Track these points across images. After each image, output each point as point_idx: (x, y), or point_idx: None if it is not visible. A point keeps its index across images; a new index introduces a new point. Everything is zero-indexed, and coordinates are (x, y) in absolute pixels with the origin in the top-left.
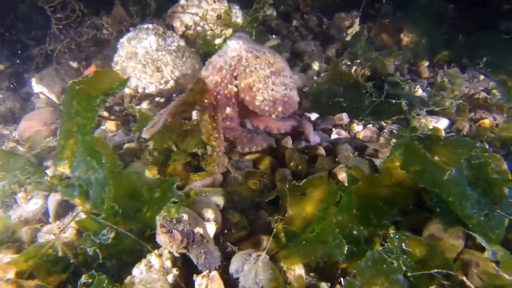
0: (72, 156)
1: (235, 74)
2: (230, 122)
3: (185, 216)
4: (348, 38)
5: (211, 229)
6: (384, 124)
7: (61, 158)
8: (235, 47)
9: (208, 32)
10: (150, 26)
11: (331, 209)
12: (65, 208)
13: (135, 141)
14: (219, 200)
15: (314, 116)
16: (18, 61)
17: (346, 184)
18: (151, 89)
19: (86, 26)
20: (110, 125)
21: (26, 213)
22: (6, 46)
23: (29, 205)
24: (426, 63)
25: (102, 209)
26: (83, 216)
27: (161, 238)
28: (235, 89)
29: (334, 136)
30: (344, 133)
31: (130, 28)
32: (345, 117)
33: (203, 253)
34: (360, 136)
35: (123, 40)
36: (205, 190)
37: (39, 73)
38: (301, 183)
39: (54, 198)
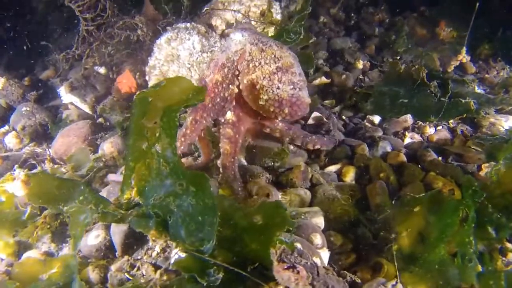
0: (142, 181)
1: (237, 72)
2: (231, 129)
3: (299, 245)
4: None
5: (325, 257)
6: (451, 125)
7: (128, 183)
8: (239, 40)
9: None
10: (188, 25)
11: (456, 227)
12: (133, 240)
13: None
14: (320, 222)
15: (377, 118)
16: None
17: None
18: None
19: (118, 27)
20: None
21: (87, 248)
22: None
23: (89, 238)
24: (468, 58)
25: (201, 243)
26: (180, 254)
27: (283, 275)
28: (236, 90)
29: (408, 140)
30: (417, 137)
31: (167, 28)
32: (409, 118)
33: None
34: (434, 139)
35: (161, 41)
36: (303, 211)
37: (67, 81)
38: (415, 198)
39: (120, 229)
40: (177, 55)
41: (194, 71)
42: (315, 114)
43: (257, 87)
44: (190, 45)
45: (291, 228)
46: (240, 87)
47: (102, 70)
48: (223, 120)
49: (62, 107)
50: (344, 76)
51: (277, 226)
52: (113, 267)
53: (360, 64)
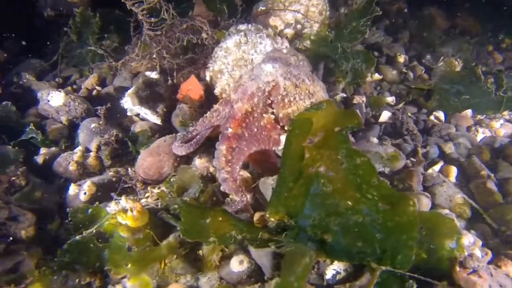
0: (297, 202)
1: (268, 101)
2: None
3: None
4: None
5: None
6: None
7: (282, 204)
8: (270, 71)
9: (306, 30)
10: (252, 27)
11: None
12: (280, 259)
13: None
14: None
15: (441, 114)
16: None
17: None
18: None
19: (180, 30)
20: None
21: (235, 276)
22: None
23: (233, 265)
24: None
25: (390, 261)
26: (337, 269)
27: (469, 280)
28: (273, 116)
29: (480, 136)
30: (487, 132)
31: (232, 30)
32: (469, 113)
33: None
34: (501, 133)
35: (228, 45)
36: None
37: (132, 89)
38: None
39: (266, 251)
40: (250, 59)
41: None
42: (387, 113)
43: None
44: (263, 48)
45: (459, 236)
46: (276, 117)
47: (155, 75)
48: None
49: (126, 120)
50: (394, 72)
51: (446, 236)
52: None
53: (401, 58)
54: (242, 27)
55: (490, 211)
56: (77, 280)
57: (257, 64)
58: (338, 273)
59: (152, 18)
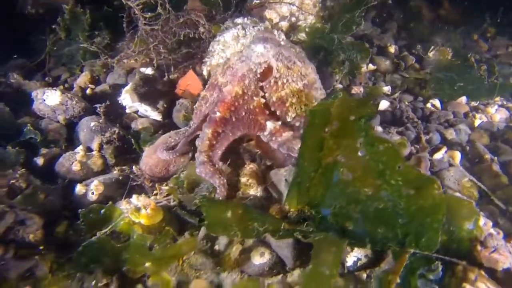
0: (313, 191)
1: (260, 84)
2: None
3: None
4: None
5: None
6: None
7: (302, 194)
8: (261, 52)
9: (301, 23)
10: (248, 20)
11: None
12: (301, 249)
13: None
14: None
15: (437, 102)
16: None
17: None
18: None
19: (176, 24)
20: None
21: (256, 268)
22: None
23: (254, 257)
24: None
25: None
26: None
27: (491, 258)
28: (263, 100)
29: (478, 121)
30: (484, 117)
31: (228, 23)
32: (464, 100)
33: None
34: (497, 119)
35: (226, 38)
36: None
37: (129, 85)
38: None
39: (287, 242)
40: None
41: None
42: (385, 102)
43: (287, 104)
44: None
45: (478, 217)
46: (267, 102)
47: (149, 71)
48: (266, 133)
49: (124, 117)
50: (387, 62)
51: (465, 217)
52: (289, 279)
53: (392, 49)
54: (238, 20)
55: (497, 192)
56: (94, 282)
57: (246, 46)
58: (359, 259)
59: (148, 13)
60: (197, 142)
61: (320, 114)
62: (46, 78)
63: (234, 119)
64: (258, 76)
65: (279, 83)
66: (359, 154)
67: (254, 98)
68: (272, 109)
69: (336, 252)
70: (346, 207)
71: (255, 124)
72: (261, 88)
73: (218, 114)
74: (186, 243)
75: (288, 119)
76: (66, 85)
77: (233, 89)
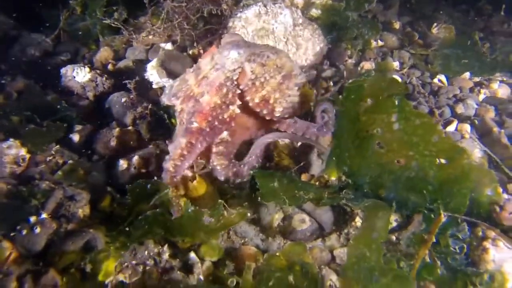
0: (351, 161)
1: (238, 91)
2: (225, 147)
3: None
4: None
5: None
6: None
7: (341, 163)
8: (235, 58)
9: (315, 0)
10: None
11: None
12: (337, 216)
13: None
14: None
15: (444, 77)
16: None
17: None
18: None
19: (199, 1)
20: None
21: (298, 234)
22: None
23: (295, 223)
24: None
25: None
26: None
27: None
28: (238, 111)
29: (482, 96)
30: (488, 92)
31: (249, 0)
32: (468, 76)
33: None
34: (499, 94)
35: (248, 15)
36: None
37: (154, 61)
38: None
39: (324, 209)
40: (271, 29)
41: (290, 45)
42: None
43: (271, 101)
44: (283, 18)
45: (496, 185)
46: (250, 105)
47: (169, 46)
48: (217, 140)
49: (151, 93)
50: (394, 38)
51: (485, 184)
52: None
53: (397, 25)
54: None
55: (505, 162)
56: (146, 252)
57: (216, 54)
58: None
59: None
60: (170, 147)
61: (354, 90)
62: (64, 54)
63: (208, 130)
64: (235, 82)
65: (257, 83)
66: (395, 127)
67: (230, 107)
68: (258, 110)
69: (383, 216)
70: (380, 176)
71: (219, 133)
72: (241, 93)
73: (195, 124)
74: (238, 214)
75: (277, 115)
76: (86, 61)
77: (211, 100)
